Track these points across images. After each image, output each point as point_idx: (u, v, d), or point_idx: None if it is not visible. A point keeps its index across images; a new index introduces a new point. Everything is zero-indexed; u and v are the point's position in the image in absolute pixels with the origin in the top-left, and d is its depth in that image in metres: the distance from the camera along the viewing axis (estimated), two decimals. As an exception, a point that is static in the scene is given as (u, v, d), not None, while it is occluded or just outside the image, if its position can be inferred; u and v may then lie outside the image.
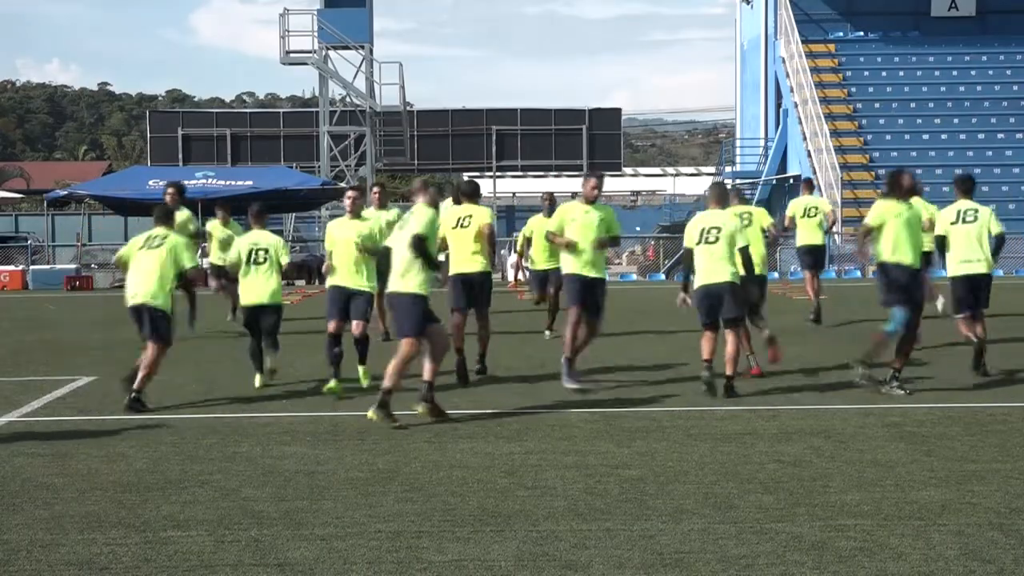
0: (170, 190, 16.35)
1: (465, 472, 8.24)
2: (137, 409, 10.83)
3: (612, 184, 64.13)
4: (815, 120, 37.90)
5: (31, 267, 32.81)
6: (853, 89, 40.62)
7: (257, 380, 12.36)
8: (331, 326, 12.09)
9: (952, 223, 12.52)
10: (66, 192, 36.15)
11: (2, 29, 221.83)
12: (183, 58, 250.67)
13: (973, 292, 12.42)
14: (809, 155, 38.15)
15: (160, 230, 11.68)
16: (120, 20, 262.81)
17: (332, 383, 11.73)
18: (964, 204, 12.63)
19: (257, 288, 12.27)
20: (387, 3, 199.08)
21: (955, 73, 41.17)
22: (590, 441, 9.26)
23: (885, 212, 11.34)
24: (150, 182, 33.72)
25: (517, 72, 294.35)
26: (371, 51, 39.37)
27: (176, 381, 12.61)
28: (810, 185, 19.18)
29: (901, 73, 41.49)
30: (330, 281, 12.23)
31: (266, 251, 12.31)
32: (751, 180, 45.84)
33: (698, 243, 11.30)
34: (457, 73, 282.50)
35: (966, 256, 12.43)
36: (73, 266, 33.26)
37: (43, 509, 7.43)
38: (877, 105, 39.95)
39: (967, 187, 12.78)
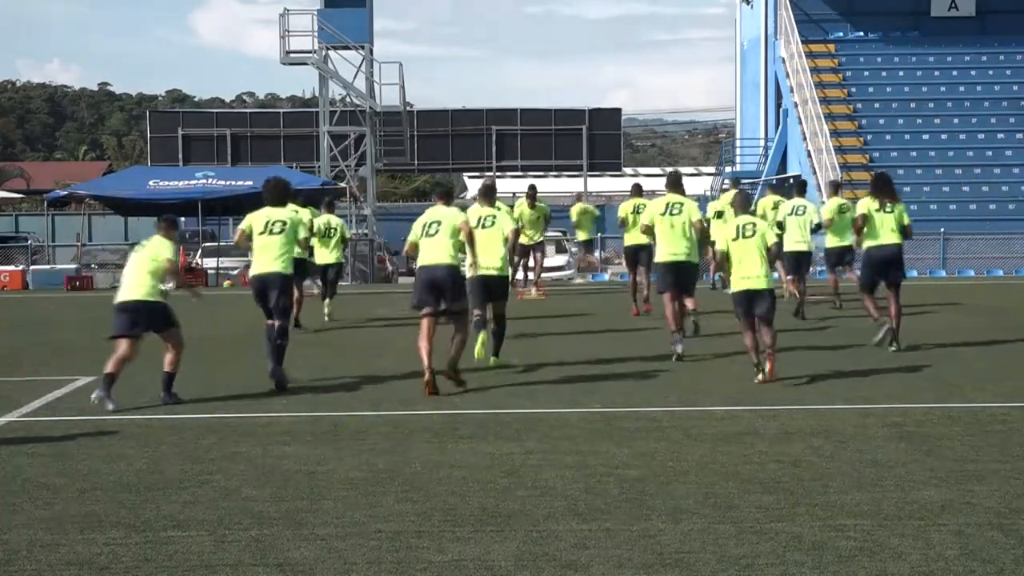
0: None
1: (465, 472, 8.23)
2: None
3: (612, 184, 64.17)
4: (815, 120, 37.88)
5: (31, 267, 32.78)
6: (853, 89, 40.59)
7: (326, 305, 18.58)
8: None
9: (788, 215, 18.14)
10: (66, 192, 36.11)
11: (2, 29, 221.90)
12: (183, 58, 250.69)
13: (798, 262, 17.73)
14: (809, 155, 38.13)
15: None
16: (120, 20, 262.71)
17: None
18: (797, 201, 18.41)
19: (326, 253, 18.47)
20: (387, 3, 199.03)
21: (955, 73, 41.14)
22: (590, 441, 9.26)
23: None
24: (150, 182, 33.71)
25: (517, 72, 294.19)
26: (371, 51, 39.32)
27: (176, 381, 12.62)
28: (677, 184, 20.52)
29: (901, 73, 41.46)
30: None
31: (334, 229, 18.55)
32: (751, 180, 45.85)
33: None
34: (457, 73, 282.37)
35: (797, 238, 17.87)
36: (73, 266, 33.22)
37: (43, 509, 7.43)
38: (877, 105, 39.92)
39: (802, 187, 19.41)
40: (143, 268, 11.28)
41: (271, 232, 12.23)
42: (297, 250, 13.49)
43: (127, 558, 6.39)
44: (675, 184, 14.67)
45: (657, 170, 74.22)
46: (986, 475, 7.98)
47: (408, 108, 43.83)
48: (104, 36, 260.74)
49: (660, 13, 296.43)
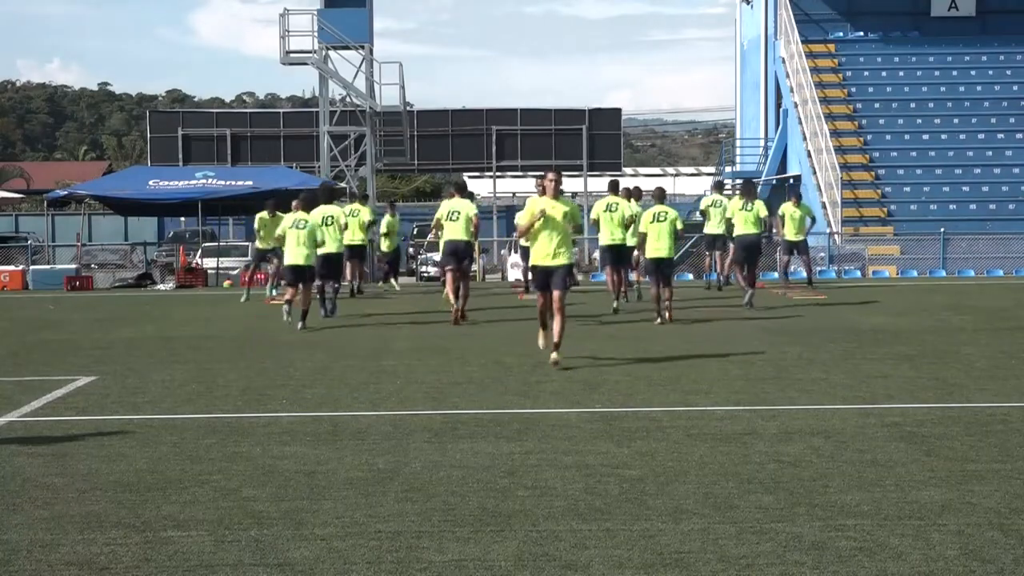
0: None
1: (465, 472, 8.23)
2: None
3: (612, 184, 64.14)
4: (815, 120, 37.87)
5: (31, 267, 32.80)
6: (853, 89, 40.58)
7: (395, 284, 26.08)
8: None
9: (708, 206, 24.15)
10: (66, 192, 36.09)
11: (2, 29, 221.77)
12: (183, 58, 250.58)
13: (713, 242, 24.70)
14: (809, 155, 38.13)
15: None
16: (120, 20, 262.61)
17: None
18: (716, 197, 24.57)
19: (385, 243, 26.04)
20: (388, 3, 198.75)
21: (955, 73, 41.12)
22: (590, 441, 9.26)
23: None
24: (150, 182, 33.70)
25: (517, 72, 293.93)
26: (371, 51, 39.29)
27: (176, 381, 12.63)
28: (615, 188, 21.60)
29: (901, 73, 41.44)
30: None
31: (393, 223, 26.07)
32: (752, 180, 45.78)
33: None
34: (457, 73, 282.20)
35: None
36: (73, 266, 33.24)
37: (43, 509, 7.42)
38: (877, 105, 39.91)
39: (719, 186, 26.95)
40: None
41: (327, 225, 18.33)
42: (361, 236, 22.86)
43: (127, 558, 6.39)
44: (615, 188, 20.58)
45: (657, 170, 74.33)
46: (986, 475, 7.97)
47: (408, 108, 43.81)
48: (104, 36, 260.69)
49: (660, 13, 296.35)
